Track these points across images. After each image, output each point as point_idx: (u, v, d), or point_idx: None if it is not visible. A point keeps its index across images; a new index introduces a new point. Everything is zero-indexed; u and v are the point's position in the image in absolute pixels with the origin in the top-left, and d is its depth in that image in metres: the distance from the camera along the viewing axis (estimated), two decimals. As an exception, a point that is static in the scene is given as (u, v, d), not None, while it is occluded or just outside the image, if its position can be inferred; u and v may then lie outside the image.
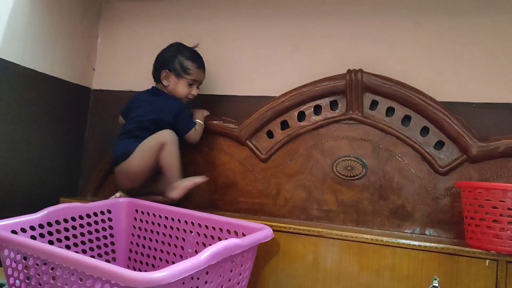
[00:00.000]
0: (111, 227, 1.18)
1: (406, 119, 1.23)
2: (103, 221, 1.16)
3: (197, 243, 1.10)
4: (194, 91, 1.32)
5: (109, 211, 1.19)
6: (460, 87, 1.23)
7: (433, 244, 0.99)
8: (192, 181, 1.22)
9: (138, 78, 1.52)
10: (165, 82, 1.31)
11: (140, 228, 1.19)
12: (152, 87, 1.34)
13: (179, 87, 1.30)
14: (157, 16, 1.54)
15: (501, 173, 1.15)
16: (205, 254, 0.78)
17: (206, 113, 1.37)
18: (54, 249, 0.78)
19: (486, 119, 1.20)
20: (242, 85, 1.42)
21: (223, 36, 1.46)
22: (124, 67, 1.56)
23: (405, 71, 1.26)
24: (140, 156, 1.21)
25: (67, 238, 1.06)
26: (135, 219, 1.20)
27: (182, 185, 1.21)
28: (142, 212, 1.19)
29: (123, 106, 1.35)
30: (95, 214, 1.14)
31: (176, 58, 1.30)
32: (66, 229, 1.06)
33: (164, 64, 1.31)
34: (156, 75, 1.33)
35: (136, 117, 1.27)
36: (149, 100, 1.30)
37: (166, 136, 1.22)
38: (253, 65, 1.42)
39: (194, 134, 1.31)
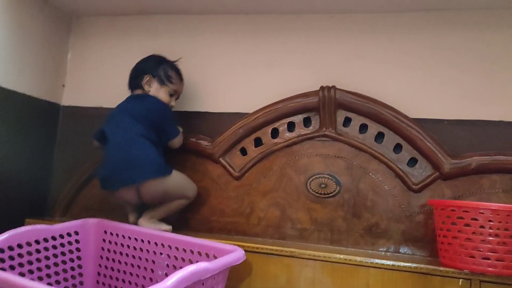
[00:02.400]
0: (78, 250, 1.14)
1: (379, 136, 1.23)
2: (69, 243, 1.12)
3: (168, 265, 1.06)
4: (173, 103, 1.29)
5: (76, 233, 1.14)
6: (433, 104, 1.24)
7: (406, 264, 0.98)
8: (159, 227, 1.19)
9: (109, 94, 1.49)
10: (146, 88, 1.26)
11: (109, 250, 1.15)
12: (132, 94, 1.28)
13: (161, 94, 1.25)
14: (129, 31, 1.52)
15: (473, 190, 1.15)
16: (172, 280, 0.74)
17: (180, 129, 1.34)
18: (5, 276, 0.74)
19: (458, 135, 1.21)
20: (216, 101, 1.40)
21: (197, 52, 1.44)
22: (95, 83, 1.53)
23: (378, 88, 1.26)
24: (180, 184, 1.20)
25: (30, 262, 1.02)
26: (104, 240, 1.16)
27: (148, 226, 1.18)
28: (111, 234, 1.16)
29: (96, 128, 1.30)
30: (61, 236, 1.10)
31: (161, 66, 1.27)
32: (29, 253, 1.02)
33: (146, 70, 1.26)
34: (136, 82, 1.27)
35: (131, 120, 1.18)
36: (132, 104, 1.23)
37: (195, 192, 1.24)
38: (226, 81, 1.40)
39: (178, 141, 1.27)
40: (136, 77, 1.28)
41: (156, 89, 1.25)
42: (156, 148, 1.18)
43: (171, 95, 1.28)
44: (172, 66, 1.29)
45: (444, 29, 1.26)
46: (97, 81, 1.53)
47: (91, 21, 1.56)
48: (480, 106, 1.21)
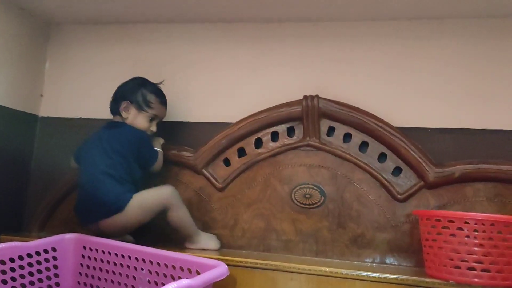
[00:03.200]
0: (55, 267, 1.10)
1: (364, 145, 1.22)
2: (46, 260, 1.08)
3: (149, 281, 1.03)
4: (154, 127, 1.25)
5: (53, 249, 1.11)
6: (416, 112, 1.24)
7: (392, 276, 0.96)
8: (206, 243, 1.20)
9: (89, 105, 1.46)
10: (124, 114, 1.22)
11: (88, 267, 1.12)
12: (108, 122, 1.25)
13: (139, 121, 1.22)
14: (109, 40, 1.49)
15: (457, 199, 1.15)
16: (152, 300, 0.72)
17: (161, 141, 1.31)
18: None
19: (442, 144, 1.21)
20: (198, 111, 1.38)
21: (178, 61, 1.42)
22: (75, 93, 1.49)
23: (361, 97, 1.25)
24: (139, 212, 1.13)
25: (4, 282, 0.98)
26: (83, 256, 1.13)
27: (204, 246, 1.20)
28: (91, 249, 1.12)
29: (75, 140, 1.28)
30: (38, 254, 1.06)
31: (139, 90, 1.23)
32: (4, 272, 0.98)
33: (125, 95, 1.23)
34: (115, 107, 1.24)
35: (101, 154, 1.17)
36: (107, 135, 1.20)
37: (170, 195, 1.16)
38: (209, 91, 1.38)
39: (158, 164, 1.25)
40: (115, 102, 1.25)
41: (134, 116, 1.22)
42: (120, 183, 1.14)
43: (151, 120, 1.24)
44: (152, 89, 1.25)
45: (427, 38, 1.26)
46: (77, 91, 1.49)
47: (70, 29, 1.52)
48: (463, 114, 1.21)
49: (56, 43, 1.53)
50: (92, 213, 1.14)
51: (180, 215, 1.18)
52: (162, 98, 1.26)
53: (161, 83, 1.28)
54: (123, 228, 1.15)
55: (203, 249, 1.18)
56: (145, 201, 1.14)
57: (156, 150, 1.25)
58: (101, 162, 1.15)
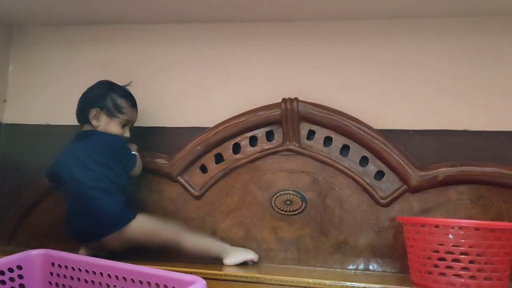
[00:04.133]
0: (22, 286, 1.03)
1: (345, 149, 1.19)
2: (11, 279, 1.01)
3: (123, 299, 0.97)
4: (127, 133, 1.19)
5: (19, 267, 1.03)
6: (397, 114, 1.21)
7: (377, 286, 0.93)
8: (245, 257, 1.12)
9: (56, 110, 1.39)
10: (94, 122, 1.15)
11: (57, 285, 1.05)
12: (79, 132, 1.18)
13: (111, 128, 1.15)
14: (76, 42, 1.41)
15: (441, 202, 1.13)
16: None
17: (135, 146, 1.25)
18: None
19: (424, 145, 1.18)
20: (172, 115, 1.32)
21: (151, 63, 1.36)
22: (40, 98, 1.41)
23: (341, 99, 1.22)
24: (141, 235, 1.07)
25: (-36, 306, 0.90)
26: (51, 274, 1.06)
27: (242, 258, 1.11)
28: (60, 266, 1.05)
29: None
30: (2, 273, 0.99)
31: (108, 96, 1.15)
32: (-37, 296, 0.91)
33: (93, 102, 1.15)
34: (83, 116, 1.17)
35: (81, 170, 1.09)
36: (81, 147, 1.12)
37: (176, 228, 1.10)
38: (184, 94, 1.33)
39: (138, 168, 1.19)
40: (82, 111, 1.17)
41: (105, 123, 1.15)
42: (111, 194, 1.08)
43: (124, 125, 1.18)
44: (121, 93, 1.18)
45: (408, 38, 1.23)
46: (43, 96, 1.41)
47: (34, 31, 1.44)
48: (445, 115, 1.19)
49: (19, 45, 1.45)
50: (91, 232, 1.08)
51: (196, 241, 1.10)
52: (132, 101, 1.20)
53: (128, 85, 1.22)
54: (129, 243, 1.08)
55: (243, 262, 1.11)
56: (149, 227, 1.08)
57: (134, 154, 1.19)
58: (85, 178, 1.08)
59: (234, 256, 1.11)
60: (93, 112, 1.15)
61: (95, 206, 1.07)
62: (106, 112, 1.15)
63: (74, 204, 1.11)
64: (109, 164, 1.11)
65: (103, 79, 1.21)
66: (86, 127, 1.18)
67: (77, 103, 1.19)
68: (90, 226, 1.08)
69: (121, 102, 1.17)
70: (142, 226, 1.07)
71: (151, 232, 1.08)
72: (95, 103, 1.15)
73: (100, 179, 1.08)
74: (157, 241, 1.08)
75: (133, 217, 1.07)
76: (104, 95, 1.16)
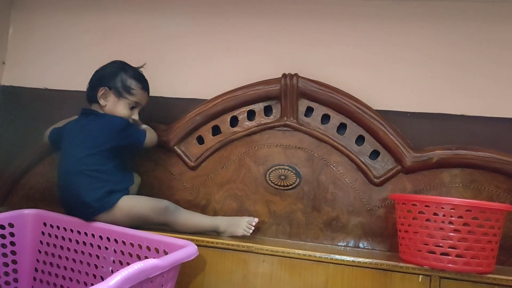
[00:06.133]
0: (13, 244, 1.04)
1: (342, 127, 1.19)
2: (3, 236, 1.02)
3: (114, 261, 0.98)
4: (135, 115, 1.15)
5: (11, 225, 1.04)
6: (396, 96, 1.21)
7: (366, 260, 0.94)
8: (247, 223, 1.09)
9: (55, 75, 1.38)
10: (102, 102, 1.12)
11: (48, 244, 1.06)
12: (84, 110, 1.14)
13: (119, 108, 1.12)
14: (77, 6, 1.40)
15: (434, 184, 1.13)
16: (115, 279, 0.67)
17: (144, 126, 1.21)
18: None
19: (420, 128, 1.19)
20: (171, 85, 1.31)
21: (151, 32, 1.35)
22: (40, 61, 1.40)
23: (341, 78, 1.21)
24: (128, 216, 1.04)
25: (-45, 258, 0.91)
26: (43, 233, 1.07)
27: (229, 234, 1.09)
28: (52, 226, 1.06)
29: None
30: (-6, 229, 1.00)
31: (119, 75, 1.12)
32: (-45, 248, 0.91)
33: (102, 81, 1.12)
34: (92, 94, 1.13)
35: (79, 147, 1.06)
36: (82, 127, 1.10)
37: (166, 206, 1.06)
38: (183, 65, 1.32)
39: (150, 139, 1.16)
40: (92, 88, 1.14)
41: (113, 103, 1.12)
42: (99, 180, 1.04)
43: (132, 107, 1.14)
44: (133, 74, 1.14)
45: (409, 20, 1.23)
46: (42, 59, 1.41)
47: (36, -7, 1.43)
48: (443, 100, 1.19)
49: (21, 8, 1.43)
50: (78, 213, 1.04)
51: (186, 216, 1.08)
52: (143, 84, 1.16)
53: (142, 66, 1.18)
54: (119, 223, 1.03)
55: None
56: (136, 206, 1.04)
57: (142, 129, 1.16)
58: (78, 159, 1.04)
59: (222, 232, 1.09)
60: (101, 91, 1.12)
61: (79, 191, 1.02)
62: (115, 92, 1.12)
63: (63, 184, 1.07)
64: (110, 147, 1.07)
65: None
66: (94, 106, 1.14)
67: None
68: (74, 210, 1.04)
69: (131, 83, 1.13)
70: (128, 206, 1.04)
71: (137, 215, 1.04)
72: (105, 82, 1.12)
73: (93, 162, 1.05)
74: (147, 222, 1.06)
75: (113, 203, 1.03)
76: (115, 75, 1.12)
